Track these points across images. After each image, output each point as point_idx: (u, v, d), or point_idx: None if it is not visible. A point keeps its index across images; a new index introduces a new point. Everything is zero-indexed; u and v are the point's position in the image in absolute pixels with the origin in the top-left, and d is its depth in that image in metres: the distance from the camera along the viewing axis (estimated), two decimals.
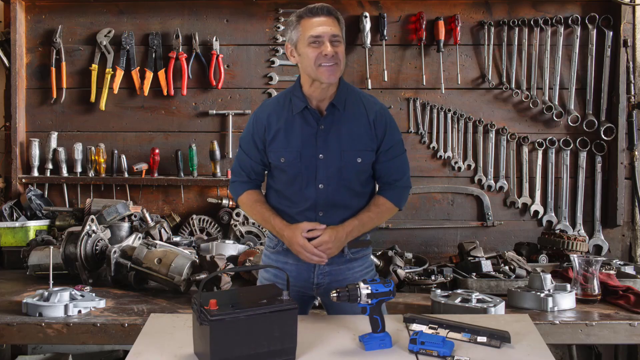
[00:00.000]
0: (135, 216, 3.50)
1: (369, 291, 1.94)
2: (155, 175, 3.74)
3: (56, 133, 3.75)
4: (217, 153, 3.68)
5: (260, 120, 2.32)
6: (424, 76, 3.73)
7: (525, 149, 3.78)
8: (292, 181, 2.29)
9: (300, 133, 2.26)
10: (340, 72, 2.22)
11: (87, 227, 3.01)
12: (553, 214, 3.78)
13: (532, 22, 3.72)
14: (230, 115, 3.77)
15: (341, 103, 2.27)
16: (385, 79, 3.73)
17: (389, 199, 2.33)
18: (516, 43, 3.74)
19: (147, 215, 3.50)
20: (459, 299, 2.48)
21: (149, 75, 3.74)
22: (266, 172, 2.41)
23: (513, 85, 3.75)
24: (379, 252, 3.18)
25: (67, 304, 2.48)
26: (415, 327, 2.06)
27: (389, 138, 2.30)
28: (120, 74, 3.74)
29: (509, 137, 3.78)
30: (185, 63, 3.73)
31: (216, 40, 3.74)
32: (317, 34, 2.17)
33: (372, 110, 2.30)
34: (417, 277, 3.10)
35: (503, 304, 2.48)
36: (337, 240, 2.22)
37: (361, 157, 2.27)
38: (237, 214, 3.63)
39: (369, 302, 1.94)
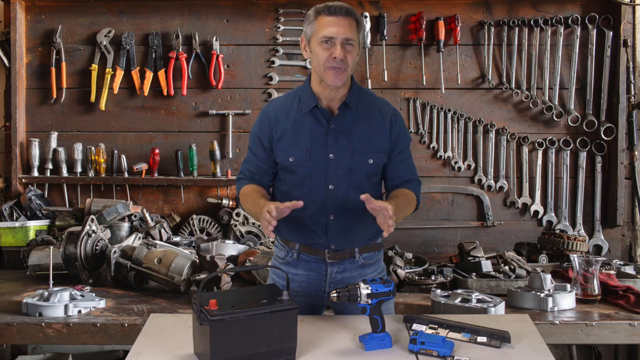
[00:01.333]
0: (135, 216, 3.50)
1: (369, 291, 1.94)
2: (155, 175, 3.74)
3: (56, 133, 3.75)
4: (217, 153, 3.68)
5: (266, 119, 2.26)
6: (424, 76, 3.73)
7: (525, 149, 3.78)
8: (301, 182, 2.22)
9: (310, 132, 2.20)
10: (346, 77, 2.17)
11: (87, 227, 3.01)
12: (553, 214, 3.77)
13: (532, 22, 3.72)
14: (230, 115, 3.77)
15: (354, 103, 2.22)
16: (385, 79, 3.73)
17: (408, 189, 2.27)
18: (516, 43, 3.74)
19: (147, 215, 3.50)
20: (459, 299, 2.48)
21: (149, 75, 3.74)
22: (274, 175, 2.31)
23: (513, 85, 3.75)
24: None
25: (67, 304, 2.47)
26: (415, 327, 2.05)
27: (402, 141, 2.29)
28: (120, 74, 3.74)
29: (509, 137, 3.78)
30: (185, 63, 3.73)
31: (216, 40, 3.74)
32: (330, 35, 2.10)
33: (388, 113, 2.27)
34: (417, 277, 3.09)
35: (503, 304, 2.48)
36: (390, 204, 2.01)
37: (373, 159, 2.22)
38: (237, 214, 3.62)
39: (369, 302, 1.94)
